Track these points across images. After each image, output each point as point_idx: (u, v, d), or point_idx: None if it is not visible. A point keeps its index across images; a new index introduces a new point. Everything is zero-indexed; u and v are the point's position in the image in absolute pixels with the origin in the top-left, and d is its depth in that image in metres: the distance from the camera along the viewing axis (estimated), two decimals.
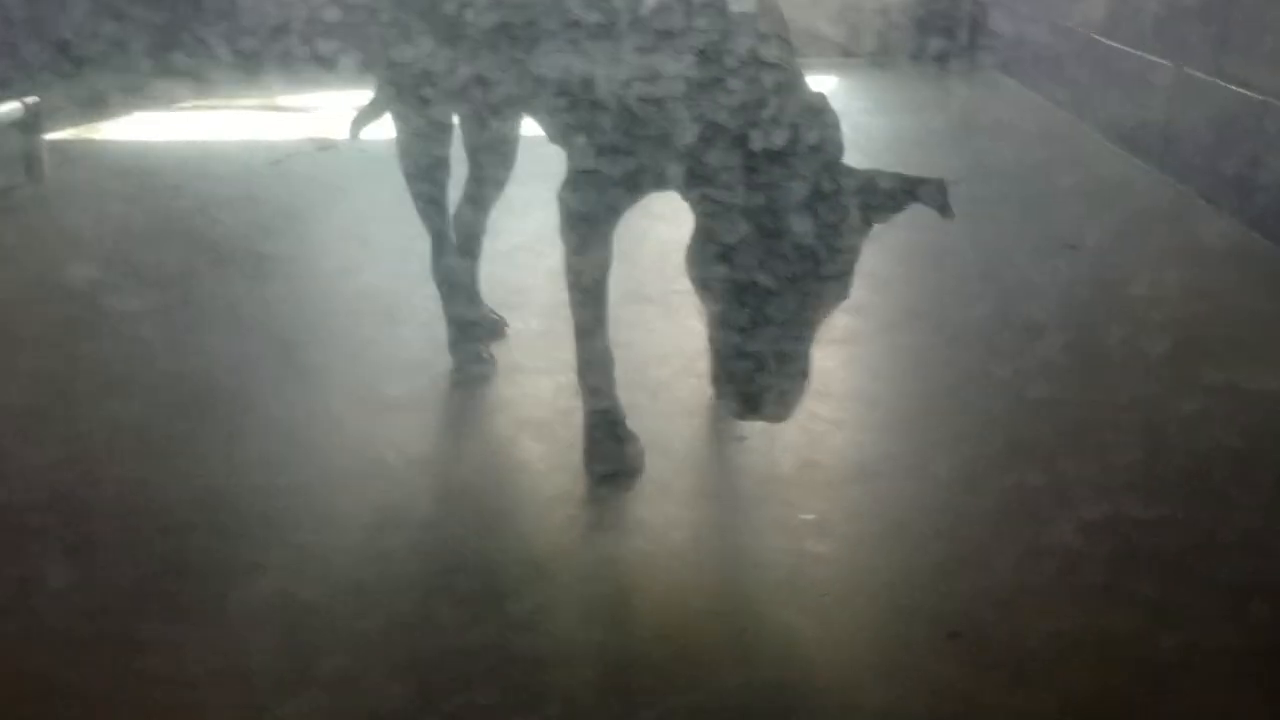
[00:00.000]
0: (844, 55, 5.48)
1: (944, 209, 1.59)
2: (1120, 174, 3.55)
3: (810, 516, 1.72)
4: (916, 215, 3.19)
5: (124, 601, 1.52)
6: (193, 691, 1.36)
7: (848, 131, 1.58)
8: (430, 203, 2.16)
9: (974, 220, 3.10)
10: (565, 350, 2.03)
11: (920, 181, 1.59)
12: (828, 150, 1.57)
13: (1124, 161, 3.64)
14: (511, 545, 1.68)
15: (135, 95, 4.25)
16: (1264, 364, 2.26)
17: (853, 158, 1.59)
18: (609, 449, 1.82)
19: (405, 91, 2.09)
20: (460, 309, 2.22)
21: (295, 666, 1.39)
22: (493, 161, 2.26)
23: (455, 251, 2.22)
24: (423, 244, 2.32)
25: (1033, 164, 3.64)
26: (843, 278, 1.59)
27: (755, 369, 1.56)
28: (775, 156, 1.54)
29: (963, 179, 3.48)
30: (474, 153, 2.28)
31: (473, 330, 2.22)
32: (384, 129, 2.25)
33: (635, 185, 1.73)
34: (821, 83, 5.37)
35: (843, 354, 2.27)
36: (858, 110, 4.54)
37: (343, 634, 1.45)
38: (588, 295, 1.80)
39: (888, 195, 1.59)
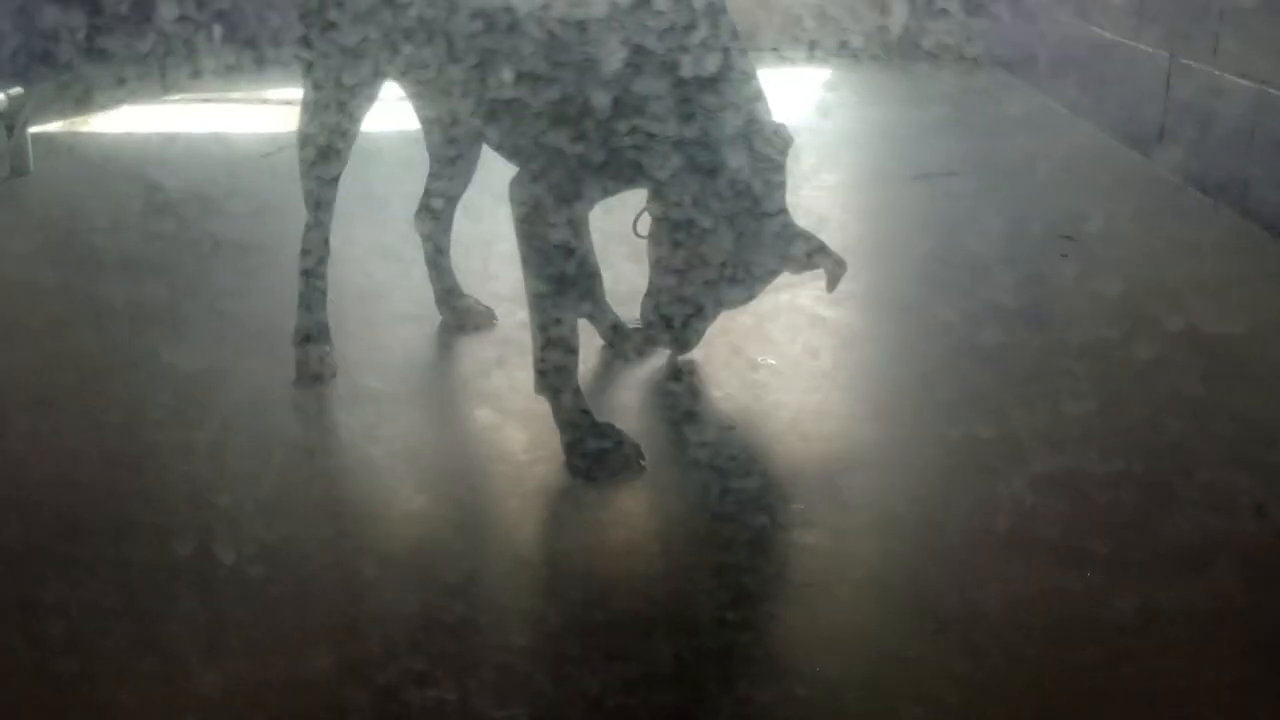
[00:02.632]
0: (841, 46, 5.46)
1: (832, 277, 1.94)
2: (1110, 160, 3.53)
3: (799, 506, 1.69)
4: (908, 207, 3.18)
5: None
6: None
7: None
8: (327, 189, 2.08)
9: (969, 211, 3.08)
10: None
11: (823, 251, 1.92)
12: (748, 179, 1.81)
13: (1118, 152, 3.61)
14: (492, 536, 1.65)
15: (123, 88, 4.22)
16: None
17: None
18: (589, 444, 1.76)
19: (325, 72, 2.01)
20: (313, 307, 2.13)
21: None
22: (456, 160, 2.23)
23: (328, 249, 2.14)
24: (401, 239, 2.30)
25: (1028, 156, 3.62)
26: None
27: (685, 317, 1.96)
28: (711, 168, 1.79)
29: (958, 170, 3.49)
30: (436, 153, 2.25)
31: (319, 332, 2.12)
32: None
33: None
34: (818, 75, 5.37)
35: (832, 344, 2.25)
36: (854, 103, 4.53)
37: (319, 629, 1.42)
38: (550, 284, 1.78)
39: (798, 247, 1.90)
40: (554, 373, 1.77)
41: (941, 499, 1.72)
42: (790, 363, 2.15)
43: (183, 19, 4.11)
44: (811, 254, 1.91)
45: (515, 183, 1.76)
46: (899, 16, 5.45)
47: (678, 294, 1.95)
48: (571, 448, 1.76)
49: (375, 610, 1.44)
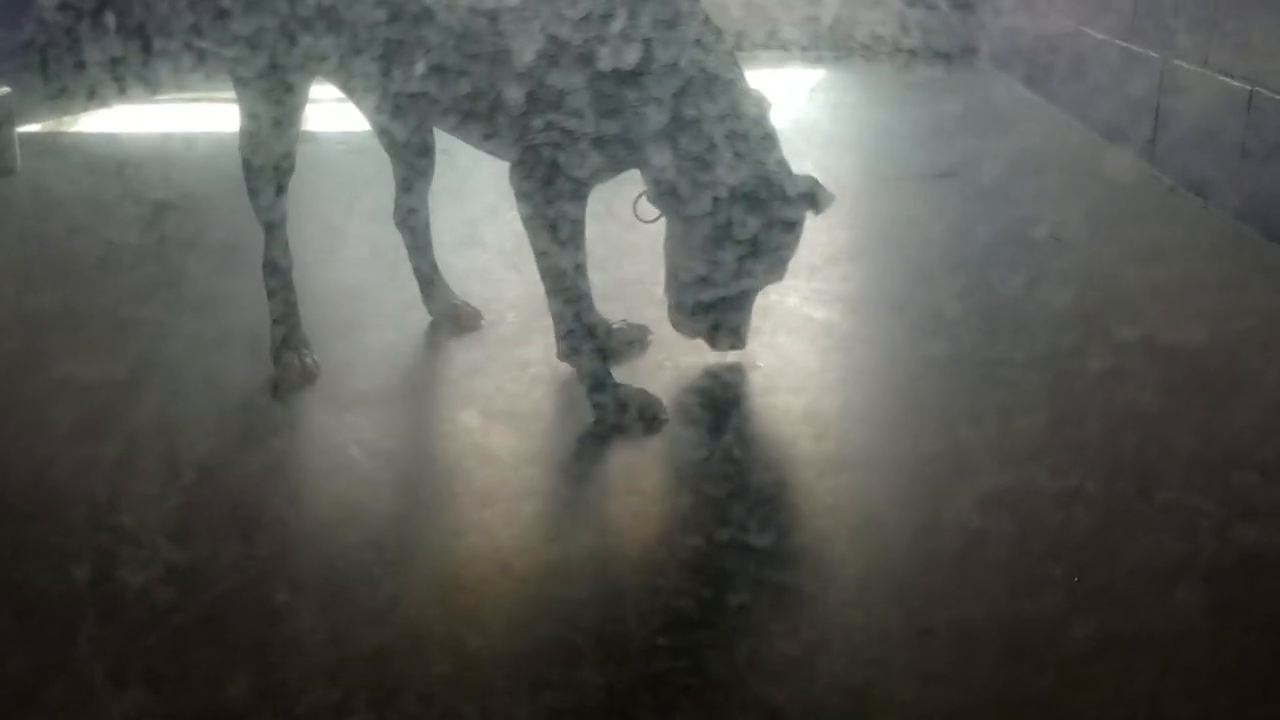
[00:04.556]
0: (835, 48, 5.36)
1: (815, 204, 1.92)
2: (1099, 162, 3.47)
3: (783, 509, 1.65)
4: (901, 209, 3.13)
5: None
6: None
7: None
8: (274, 194, 2.02)
9: (959, 213, 3.03)
10: (537, 344, 2.06)
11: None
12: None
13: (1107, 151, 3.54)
14: (476, 540, 1.60)
15: (111, 87, 4.20)
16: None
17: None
18: (613, 399, 1.84)
19: (255, 66, 1.93)
20: (285, 312, 2.08)
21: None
22: (414, 153, 2.19)
23: (288, 248, 2.08)
24: (392, 237, 2.28)
25: (1019, 157, 3.55)
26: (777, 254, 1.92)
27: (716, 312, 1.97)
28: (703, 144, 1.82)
29: (951, 172, 3.42)
30: (394, 152, 2.21)
31: (295, 340, 2.08)
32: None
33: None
34: (812, 75, 5.30)
35: (820, 347, 2.20)
36: (849, 104, 4.46)
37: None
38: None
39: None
40: (576, 334, 1.86)
41: (932, 503, 1.66)
42: (779, 364, 2.10)
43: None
44: (815, 192, 1.92)
45: (516, 159, 1.82)
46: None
47: (717, 285, 1.93)
48: (597, 404, 1.85)
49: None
